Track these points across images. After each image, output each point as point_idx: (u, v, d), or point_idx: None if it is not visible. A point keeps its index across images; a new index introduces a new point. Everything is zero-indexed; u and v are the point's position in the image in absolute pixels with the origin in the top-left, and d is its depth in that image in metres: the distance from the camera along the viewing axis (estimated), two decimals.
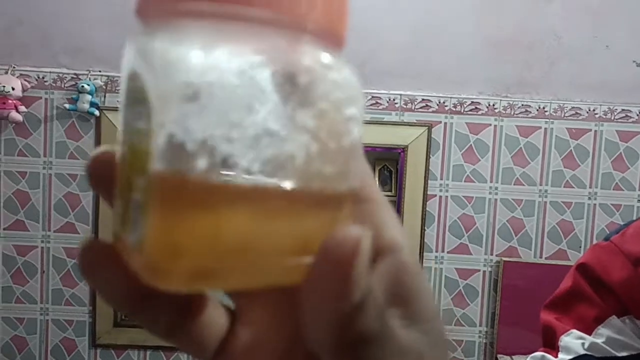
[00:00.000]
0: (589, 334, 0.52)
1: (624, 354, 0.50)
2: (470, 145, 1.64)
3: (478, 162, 1.64)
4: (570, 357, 0.52)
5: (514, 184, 1.65)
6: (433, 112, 1.63)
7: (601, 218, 1.65)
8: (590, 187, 1.64)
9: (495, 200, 1.65)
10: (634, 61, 1.62)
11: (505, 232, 1.66)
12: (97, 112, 1.58)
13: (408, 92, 1.62)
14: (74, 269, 1.65)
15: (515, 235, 1.66)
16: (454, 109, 1.63)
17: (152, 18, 0.16)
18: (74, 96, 1.59)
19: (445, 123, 1.63)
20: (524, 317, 1.53)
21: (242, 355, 0.20)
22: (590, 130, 1.64)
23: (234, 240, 0.15)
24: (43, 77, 1.60)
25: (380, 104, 1.62)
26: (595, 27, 1.61)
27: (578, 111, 1.63)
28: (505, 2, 1.60)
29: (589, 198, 1.65)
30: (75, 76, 1.60)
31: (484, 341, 1.68)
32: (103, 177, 0.18)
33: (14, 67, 1.58)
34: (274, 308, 0.20)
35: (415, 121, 1.63)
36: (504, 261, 1.63)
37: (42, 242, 1.64)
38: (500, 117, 1.63)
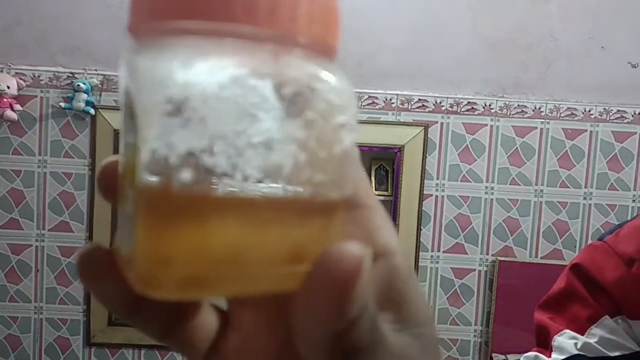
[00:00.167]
0: (582, 334, 0.52)
1: (617, 353, 0.51)
2: (467, 145, 1.64)
3: (474, 162, 1.64)
4: (563, 357, 0.52)
5: (510, 184, 1.65)
6: (429, 112, 1.63)
7: (596, 218, 1.65)
8: (585, 187, 1.65)
9: (491, 200, 1.65)
10: (629, 62, 1.62)
11: (500, 232, 1.66)
12: (92, 111, 1.58)
13: (405, 92, 1.62)
14: (68, 267, 1.64)
15: (511, 235, 1.66)
16: (451, 109, 1.63)
17: (142, 35, 0.17)
18: (69, 95, 1.58)
19: (442, 123, 1.63)
20: (519, 317, 1.54)
21: (232, 357, 0.20)
22: (586, 130, 1.64)
23: (223, 249, 0.15)
24: (39, 76, 1.59)
25: (377, 104, 1.62)
26: (591, 28, 1.61)
27: (574, 112, 1.64)
28: (502, 3, 1.61)
29: (585, 198, 1.65)
30: (71, 75, 1.59)
31: (479, 340, 1.68)
32: (112, 187, 0.19)
33: (9, 66, 1.57)
34: (266, 313, 0.20)
35: (411, 121, 1.63)
36: (500, 261, 1.64)
37: (37, 240, 1.64)
38: (497, 118, 1.64)
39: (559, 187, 1.65)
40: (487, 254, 1.66)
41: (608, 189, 1.65)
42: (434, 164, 1.64)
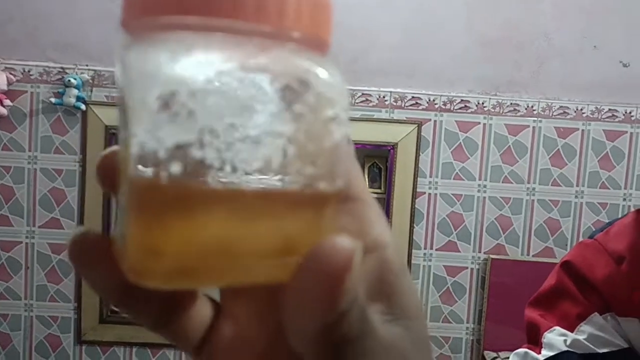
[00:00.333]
0: (572, 331, 0.52)
1: (605, 350, 0.51)
2: (460, 143, 1.65)
3: (467, 160, 1.65)
4: (553, 353, 0.52)
5: (502, 182, 1.66)
6: (423, 109, 1.63)
7: (588, 216, 1.67)
8: (577, 186, 1.66)
9: (484, 198, 1.66)
10: (621, 61, 1.63)
11: (493, 230, 1.67)
12: (83, 107, 1.56)
13: (398, 90, 1.62)
14: (59, 264, 1.63)
15: (503, 233, 1.67)
16: (444, 107, 1.64)
17: (134, 30, 0.17)
18: (60, 90, 1.56)
19: (435, 121, 1.64)
20: (511, 314, 1.55)
21: (224, 348, 0.20)
22: (578, 129, 1.65)
23: (212, 240, 0.15)
24: (29, 71, 1.58)
25: (371, 101, 1.62)
26: (584, 27, 1.62)
27: (566, 110, 1.65)
28: (496, 2, 1.61)
29: (576, 196, 1.66)
30: (61, 70, 1.57)
31: (471, 338, 1.69)
32: (111, 177, 0.19)
33: None
34: (258, 304, 0.20)
35: (405, 119, 1.63)
36: (492, 259, 1.64)
37: (27, 237, 1.62)
38: (490, 116, 1.64)
39: (551, 185, 1.66)
40: (480, 251, 1.67)
41: (599, 188, 1.66)
42: (427, 162, 1.64)
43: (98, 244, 0.18)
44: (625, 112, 1.65)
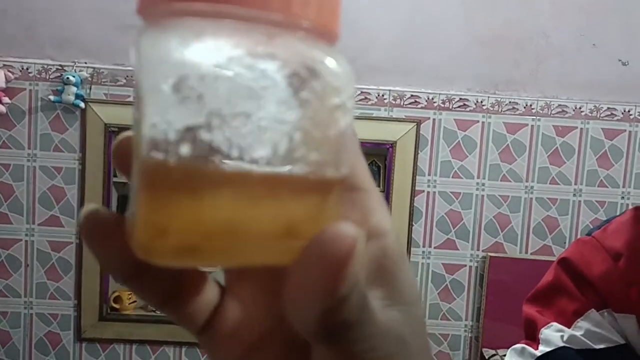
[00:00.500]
0: (569, 327, 0.53)
1: (602, 346, 0.51)
2: (458, 141, 1.65)
3: (466, 158, 1.65)
4: (550, 349, 0.52)
5: (501, 180, 1.66)
6: (422, 108, 1.64)
7: (586, 214, 1.67)
8: (575, 184, 1.66)
9: (482, 196, 1.66)
10: (619, 60, 1.64)
11: (491, 228, 1.67)
12: (82, 104, 1.56)
13: (397, 88, 1.63)
14: (59, 262, 1.63)
15: (502, 231, 1.67)
16: (443, 105, 1.64)
17: (148, 16, 0.17)
18: (59, 88, 1.56)
19: (434, 119, 1.64)
20: (509, 312, 1.55)
21: (229, 329, 0.21)
22: (576, 127, 1.65)
23: (217, 221, 0.16)
24: (27, 68, 1.58)
25: (369, 100, 1.62)
26: (583, 26, 1.62)
27: (565, 109, 1.65)
28: (495, 0, 1.61)
29: (574, 195, 1.67)
30: (60, 67, 1.57)
31: (470, 335, 1.69)
32: (126, 161, 0.19)
33: None
34: (263, 287, 0.21)
35: (403, 117, 1.63)
36: (490, 256, 1.65)
37: (26, 235, 1.62)
38: (488, 114, 1.64)
39: (549, 183, 1.66)
40: (478, 249, 1.67)
41: (597, 186, 1.66)
42: (426, 160, 1.65)
43: (110, 221, 0.18)
44: (624, 111, 1.65)
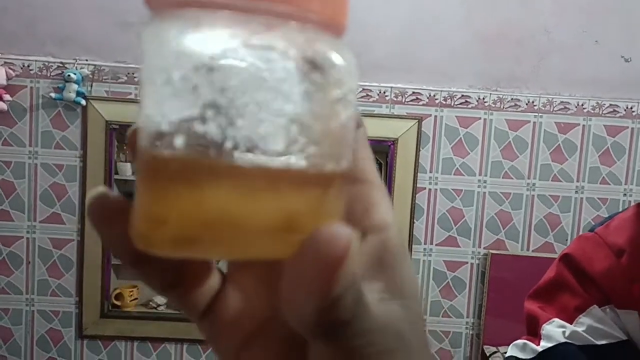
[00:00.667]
0: (571, 323, 0.53)
1: (604, 342, 0.51)
2: (460, 138, 1.64)
3: (467, 155, 1.65)
4: (551, 344, 0.52)
5: (503, 177, 1.66)
6: (423, 105, 1.63)
7: (588, 211, 1.67)
8: (577, 181, 1.66)
9: (484, 193, 1.66)
10: (622, 56, 1.63)
11: (493, 225, 1.67)
12: (83, 102, 1.56)
13: (399, 85, 1.62)
14: (60, 259, 1.63)
15: (503, 228, 1.67)
16: (444, 102, 1.63)
17: (154, 7, 0.17)
18: (60, 85, 1.56)
19: (436, 116, 1.64)
20: (511, 309, 1.55)
21: (229, 316, 0.21)
22: (579, 124, 1.65)
23: (213, 213, 0.16)
24: (28, 66, 1.58)
25: (371, 97, 1.62)
26: (585, 22, 1.61)
27: (567, 106, 1.64)
28: None
29: (576, 192, 1.66)
30: (61, 65, 1.57)
31: (471, 332, 1.69)
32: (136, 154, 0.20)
33: None
34: (265, 277, 0.21)
35: (405, 114, 1.63)
36: (492, 254, 1.65)
37: (28, 232, 1.62)
38: (490, 111, 1.64)
39: (551, 180, 1.66)
40: (480, 247, 1.67)
41: (600, 183, 1.66)
42: (427, 157, 1.64)
43: (116, 205, 0.18)
44: (627, 108, 1.65)
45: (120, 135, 1.61)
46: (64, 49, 1.57)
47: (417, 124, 1.62)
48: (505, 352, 1.61)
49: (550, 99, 1.64)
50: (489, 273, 1.65)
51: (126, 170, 1.64)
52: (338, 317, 0.16)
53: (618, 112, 1.65)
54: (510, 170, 1.66)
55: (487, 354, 1.61)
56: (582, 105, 1.64)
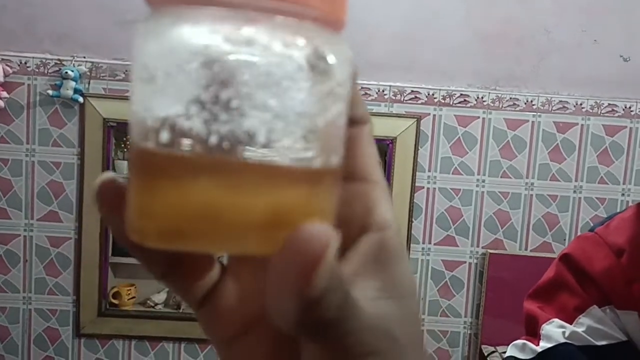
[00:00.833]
0: (570, 323, 0.53)
1: (604, 342, 0.51)
2: (459, 137, 1.64)
3: (466, 154, 1.65)
4: (551, 345, 0.52)
5: (501, 177, 1.66)
6: (422, 103, 1.63)
7: (586, 211, 1.67)
8: (575, 181, 1.66)
9: (482, 192, 1.66)
10: (621, 56, 1.63)
11: (491, 225, 1.67)
12: (81, 99, 1.55)
13: (397, 84, 1.62)
14: (58, 257, 1.63)
15: (501, 228, 1.67)
16: (443, 101, 1.63)
17: (151, 4, 0.18)
18: (57, 82, 1.55)
19: (434, 115, 1.63)
20: (509, 309, 1.55)
21: (225, 307, 0.21)
22: (577, 124, 1.65)
23: (198, 206, 0.16)
24: (25, 63, 1.57)
25: (370, 95, 1.62)
26: (584, 22, 1.61)
27: (565, 105, 1.64)
28: None
29: (575, 191, 1.66)
30: (58, 62, 1.56)
31: (469, 332, 1.69)
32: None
33: None
34: (262, 270, 0.21)
35: (404, 113, 1.62)
36: (490, 253, 1.65)
37: (25, 230, 1.62)
38: (489, 110, 1.64)
39: (550, 180, 1.66)
40: (478, 246, 1.67)
41: (598, 183, 1.66)
42: (426, 156, 1.64)
43: (121, 190, 0.19)
44: (625, 107, 1.65)
45: (118, 133, 1.60)
46: (62, 46, 1.57)
47: (415, 122, 1.62)
48: (503, 352, 1.61)
49: (549, 99, 1.64)
50: (487, 272, 1.65)
51: (124, 167, 1.63)
52: (322, 316, 0.16)
53: (617, 112, 1.65)
54: (508, 170, 1.66)
55: (485, 354, 1.61)
56: (581, 104, 1.64)
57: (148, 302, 1.68)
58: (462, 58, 1.62)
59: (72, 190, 1.61)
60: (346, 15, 0.18)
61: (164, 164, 0.16)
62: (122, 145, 1.63)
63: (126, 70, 1.57)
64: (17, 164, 1.60)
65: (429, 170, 1.65)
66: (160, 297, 1.68)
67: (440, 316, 1.69)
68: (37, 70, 1.57)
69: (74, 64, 1.56)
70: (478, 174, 1.65)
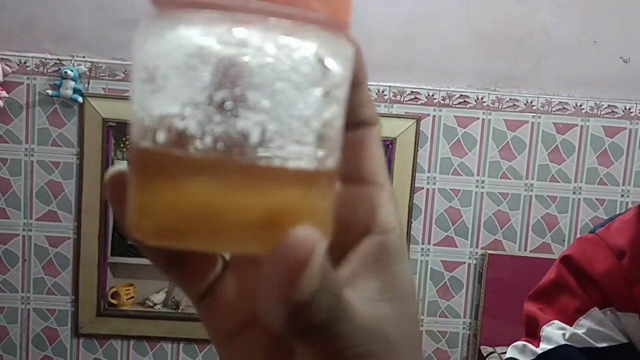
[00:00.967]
0: (571, 325, 0.53)
1: (604, 345, 0.51)
2: (458, 138, 1.64)
3: (465, 155, 1.65)
4: (551, 347, 0.52)
5: (501, 178, 1.66)
6: (422, 104, 1.63)
7: (585, 212, 1.67)
8: (575, 182, 1.66)
9: (482, 193, 1.66)
10: (621, 57, 1.63)
11: (490, 225, 1.67)
12: (80, 99, 1.55)
13: (397, 84, 1.62)
14: (56, 257, 1.63)
15: (501, 229, 1.67)
16: (443, 102, 1.63)
17: (156, 5, 0.18)
18: (56, 82, 1.55)
19: (434, 116, 1.63)
20: (508, 310, 1.55)
21: (226, 303, 0.21)
22: (577, 125, 1.65)
23: (193, 205, 0.16)
24: (25, 62, 1.56)
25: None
26: (584, 22, 1.61)
27: (565, 106, 1.64)
28: None
29: (574, 192, 1.66)
30: (58, 62, 1.56)
31: (468, 332, 1.69)
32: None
33: None
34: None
35: (403, 113, 1.62)
36: (489, 254, 1.65)
37: (24, 230, 1.62)
38: (489, 111, 1.64)
39: (549, 181, 1.66)
40: (477, 247, 1.67)
41: (597, 184, 1.66)
42: (426, 157, 1.64)
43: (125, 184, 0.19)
44: (625, 108, 1.65)
45: (117, 133, 1.60)
46: (61, 45, 1.56)
47: (415, 123, 1.62)
48: (502, 353, 1.61)
49: (548, 99, 1.64)
50: (486, 273, 1.65)
51: None
52: (312, 319, 0.16)
53: (616, 113, 1.65)
54: (508, 171, 1.66)
55: (484, 354, 1.61)
56: (581, 105, 1.64)
57: (147, 302, 1.68)
58: (461, 59, 1.62)
59: (71, 190, 1.61)
60: (350, 16, 0.18)
61: (162, 163, 0.16)
62: (122, 145, 1.63)
63: (126, 70, 1.57)
64: (16, 163, 1.59)
65: (429, 171, 1.65)
66: (159, 297, 1.68)
67: (439, 317, 1.68)
68: (36, 69, 1.57)
69: (73, 64, 1.55)
70: (477, 174, 1.65)
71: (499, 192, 1.66)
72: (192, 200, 0.16)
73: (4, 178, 1.60)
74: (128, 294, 1.66)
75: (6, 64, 1.54)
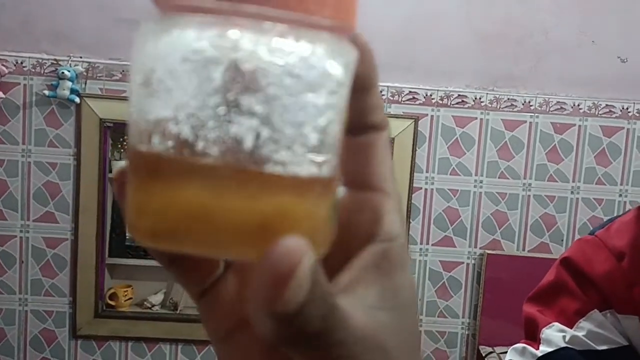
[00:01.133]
0: (571, 327, 0.52)
1: (604, 347, 0.51)
2: (456, 138, 1.64)
3: (464, 155, 1.65)
4: (551, 349, 0.52)
5: (499, 178, 1.66)
6: (420, 104, 1.63)
7: (583, 212, 1.67)
8: (573, 182, 1.66)
9: (480, 193, 1.66)
10: (619, 57, 1.63)
11: (489, 225, 1.67)
12: (77, 99, 1.54)
13: (395, 84, 1.62)
14: (54, 259, 1.62)
15: (499, 228, 1.67)
16: (441, 102, 1.63)
17: (158, 8, 0.18)
18: (53, 82, 1.54)
19: (432, 116, 1.63)
20: (506, 309, 1.55)
21: (225, 301, 0.22)
22: (575, 125, 1.65)
23: (187, 209, 0.16)
24: (22, 62, 1.56)
25: None
26: (582, 22, 1.62)
27: (563, 106, 1.65)
28: None
29: (572, 192, 1.67)
30: (55, 62, 1.55)
31: (467, 333, 1.69)
32: None
33: None
34: None
35: (402, 113, 1.62)
36: (488, 254, 1.65)
37: (21, 231, 1.61)
38: (487, 111, 1.64)
39: (547, 181, 1.66)
40: (476, 247, 1.67)
41: (595, 184, 1.66)
42: (424, 157, 1.64)
43: None
44: (623, 108, 1.65)
45: (115, 133, 1.60)
46: (58, 46, 1.56)
47: (413, 123, 1.62)
48: (501, 353, 1.61)
49: (546, 99, 1.64)
50: (484, 273, 1.65)
51: None
52: (303, 329, 0.16)
53: (614, 113, 1.65)
54: (506, 171, 1.66)
55: (483, 354, 1.61)
56: (579, 105, 1.64)
57: (145, 303, 1.67)
58: (460, 58, 1.62)
59: (69, 191, 1.60)
60: (354, 18, 0.18)
61: (157, 166, 0.16)
62: (119, 146, 1.62)
63: (123, 71, 1.56)
64: (13, 164, 1.59)
65: (427, 171, 1.64)
66: (157, 298, 1.67)
67: (438, 317, 1.68)
68: (33, 70, 1.56)
69: (70, 64, 1.55)
70: (476, 174, 1.65)
71: (497, 192, 1.66)
72: (186, 204, 0.16)
73: (1, 179, 1.59)
74: (126, 295, 1.65)
75: (3, 64, 1.54)
